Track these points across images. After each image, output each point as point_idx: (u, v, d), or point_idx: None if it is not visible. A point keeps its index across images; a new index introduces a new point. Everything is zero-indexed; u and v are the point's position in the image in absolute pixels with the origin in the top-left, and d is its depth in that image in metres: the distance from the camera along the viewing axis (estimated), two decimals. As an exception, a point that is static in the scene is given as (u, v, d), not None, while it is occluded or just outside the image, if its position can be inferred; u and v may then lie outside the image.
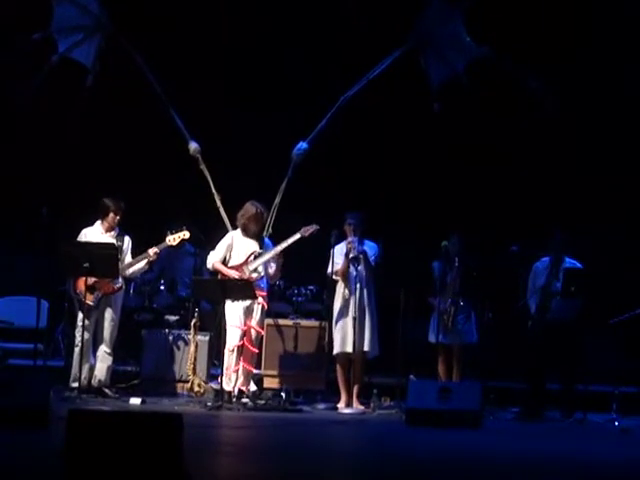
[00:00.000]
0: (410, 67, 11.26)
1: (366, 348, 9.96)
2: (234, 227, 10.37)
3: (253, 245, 10.08)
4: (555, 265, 9.89)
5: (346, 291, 10.01)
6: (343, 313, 10.01)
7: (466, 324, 10.18)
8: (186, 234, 10.15)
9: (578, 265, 9.95)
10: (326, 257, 9.97)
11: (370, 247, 10.10)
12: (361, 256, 9.98)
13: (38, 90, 11.11)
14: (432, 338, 10.17)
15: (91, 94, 11.22)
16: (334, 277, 10.05)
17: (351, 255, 9.96)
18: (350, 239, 10.00)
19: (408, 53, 11.27)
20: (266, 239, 10.24)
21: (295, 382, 10.36)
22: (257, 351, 10.13)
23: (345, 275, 10.00)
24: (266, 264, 10.06)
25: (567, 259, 9.94)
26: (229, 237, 10.20)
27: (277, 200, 11.12)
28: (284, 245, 9.94)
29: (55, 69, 11.21)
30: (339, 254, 10.00)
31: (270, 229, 10.73)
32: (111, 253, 9.73)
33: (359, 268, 9.97)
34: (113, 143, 11.82)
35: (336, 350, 10.06)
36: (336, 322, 10.07)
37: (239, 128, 12.06)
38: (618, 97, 11.59)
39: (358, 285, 9.96)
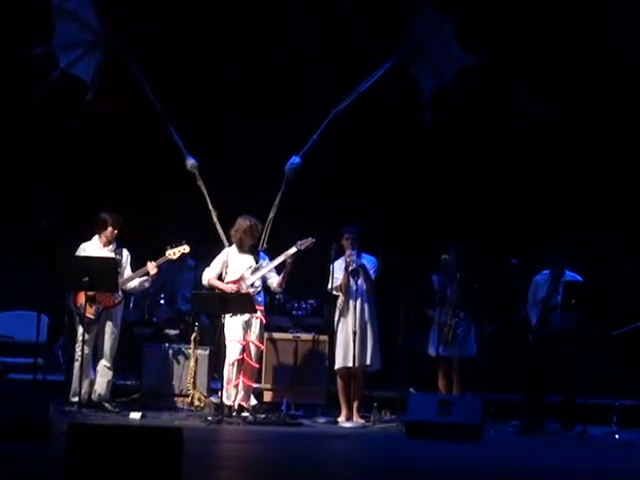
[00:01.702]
0: (402, 78, 11.27)
1: (368, 362, 9.95)
2: (230, 243, 10.37)
3: (249, 260, 10.07)
4: (556, 278, 9.87)
5: (346, 305, 10.01)
6: (344, 327, 10.00)
7: (466, 337, 10.16)
8: (186, 248, 10.14)
9: (578, 278, 9.94)
10: (326, 271, 9.96)
11: (369, 260, 10.10)
12: (360, 269, 9.99)
13: (38, 104, 11.14)
14: (432, 351, 10.16)
15: (90, 109, 11.26)
16: (334, 292, 10.05)
17: (350, 268, 9.96)
18: (349, 252, 10.00)
19: (399, 64, 11.30)
20: (262, 253, 10.24)
21: (295, 396, 10.33)
22: (258, 366, 10.12)
23: (346, 289, 10.00)
24: (263, 278, 10.06)
25: (567, 272, 9.93)
26: (224, 254, 10.19)
27: (271, 215, 11.13)
28: (280, 259, 9.94)
29: (55, 84, 11.25)
30: (339, 269, 9.99)
31: (265, 244, 10.73)
32: (110, 267, 9.74)
33: (359, 282, 9.97)
34: (111, 158, 11.81)
35: (338, 365, 10.03)
36: (337, 337, 10.05)
37: (236, 139, 12.06)
38: (617, 100, 11.58)
39: (358, 299, 9.95)
